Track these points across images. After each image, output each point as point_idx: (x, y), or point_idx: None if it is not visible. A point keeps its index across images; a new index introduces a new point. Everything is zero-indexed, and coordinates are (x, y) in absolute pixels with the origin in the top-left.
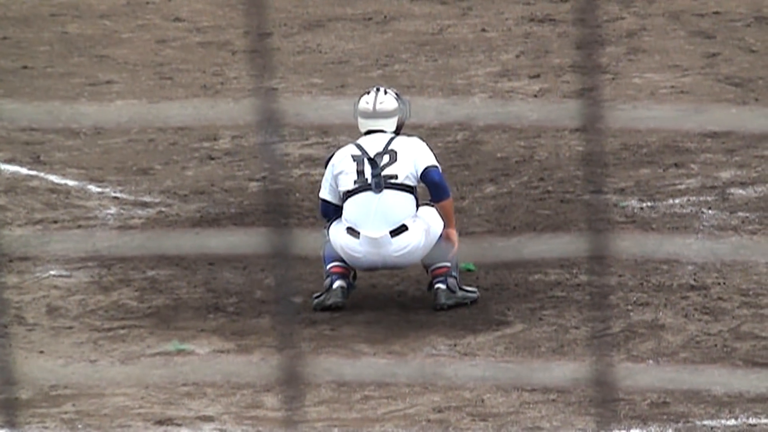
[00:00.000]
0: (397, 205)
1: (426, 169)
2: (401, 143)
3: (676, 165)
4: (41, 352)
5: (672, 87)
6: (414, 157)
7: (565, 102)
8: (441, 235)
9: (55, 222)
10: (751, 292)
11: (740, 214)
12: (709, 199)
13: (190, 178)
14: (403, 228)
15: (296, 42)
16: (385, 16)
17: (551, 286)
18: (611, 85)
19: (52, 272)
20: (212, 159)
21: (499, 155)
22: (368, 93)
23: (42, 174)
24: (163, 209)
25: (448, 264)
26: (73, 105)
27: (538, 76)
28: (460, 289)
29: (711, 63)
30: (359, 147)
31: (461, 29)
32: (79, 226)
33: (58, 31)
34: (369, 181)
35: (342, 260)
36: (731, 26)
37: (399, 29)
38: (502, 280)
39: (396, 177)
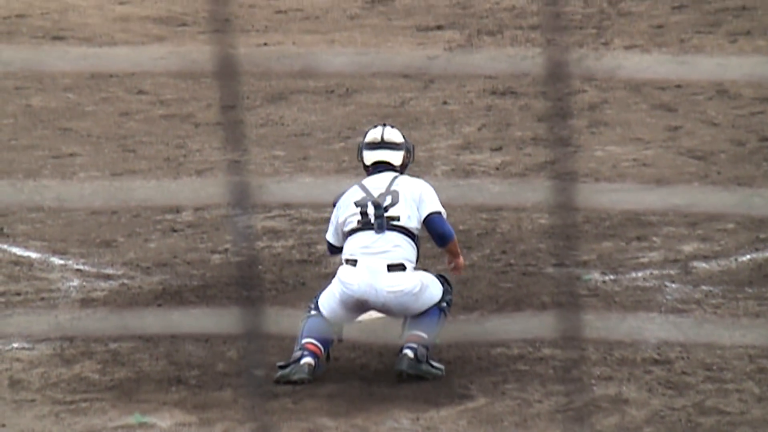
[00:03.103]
0: (398, 245)
1: (428, 216)
2: (404, 184)
3: (638, 238)
4: (3, 425)
5: (634, 160)
6: (416, 201)
7: (527, 175)
8: (434, 307)
9: (18, 294)
10: (714, 367)
11: (703, 287)
12: (672, 272)
13: (153, 251)
14: (400, 266)
15: (259, 114)
16: (347, 89)
17: (514, 359)
18: (573, 158)
19: (15, 345)
20: (175, 231)
21: (461, 228)
22: (375, 127)
23: (5, 246)
24: (126, 281)
25: (425, 335)
26: (36, 177)
27: (500, 148)
28: (427, 362)
29: (673, 136)
30: (363, 188)
31: (423, 102)
32: (42, 299)
33: (21, 104)
34: (372, 221)
35: (317, 338)
36: (693, 99)
37: (361, 102)
38: (464, 354)
39: (398, 219)
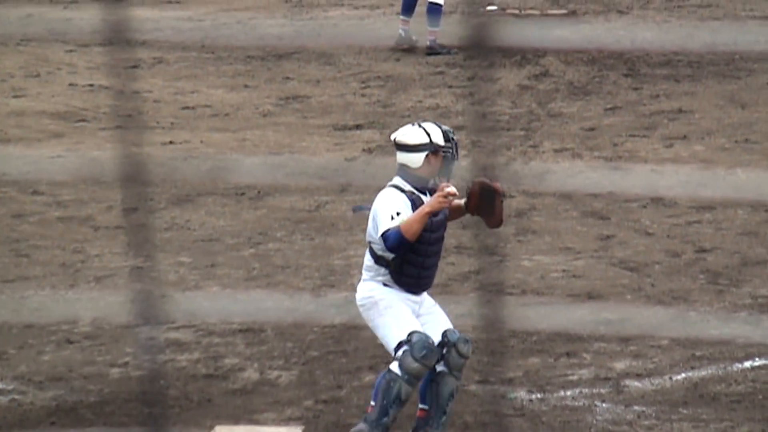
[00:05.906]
0: (365, 258)
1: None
2: (377, 198)
3: (567, 354)
4: None
5: (564, 271)
6: (373, 221)
7: (449, 285)
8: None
9: None
10: None
11: (636, 408)
12: (602, 391)
13: (47, 364)
14: (362, 276)
15: (163, 218)
16: (259, 192)
17: None
18: (499, 268)
19: None
20: (71, 343)
21: (378, 341)
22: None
23: None
24: (17, 397)
25: (373, 402)
26: None
27: None
28: None
29: (605, 246)
30: None
31: (339, 206)
32: None
33: None
34: None
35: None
36: (626, 207)
37: (273, 205)
38: None
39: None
